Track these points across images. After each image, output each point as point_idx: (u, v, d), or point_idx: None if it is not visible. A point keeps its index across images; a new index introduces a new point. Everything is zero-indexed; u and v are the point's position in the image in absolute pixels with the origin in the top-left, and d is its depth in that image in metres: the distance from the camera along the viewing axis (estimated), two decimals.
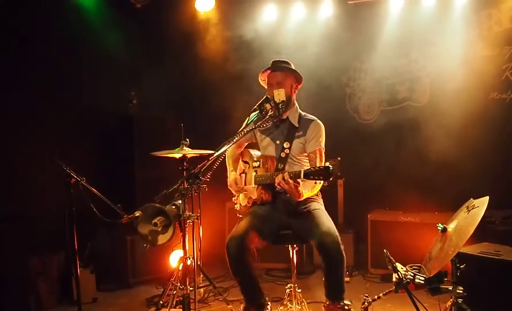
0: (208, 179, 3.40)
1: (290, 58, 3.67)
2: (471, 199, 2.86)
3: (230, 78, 5.75)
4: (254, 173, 3.61)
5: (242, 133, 3.21)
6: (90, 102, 5.25)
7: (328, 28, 5.91)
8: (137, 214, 3.40)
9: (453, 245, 2.63)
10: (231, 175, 3.77)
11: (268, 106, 3.10)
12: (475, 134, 4.96)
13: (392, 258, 2.78)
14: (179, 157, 3.83)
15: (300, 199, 3.31)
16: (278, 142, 3.63)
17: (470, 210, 2.75)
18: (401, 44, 5.75)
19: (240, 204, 3.81)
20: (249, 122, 3.14)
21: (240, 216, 3.81)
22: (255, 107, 3.15)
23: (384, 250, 2.80)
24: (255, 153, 3.84)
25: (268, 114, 3.14)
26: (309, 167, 3.10)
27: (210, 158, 3.09)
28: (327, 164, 2.96)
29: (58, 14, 4.95)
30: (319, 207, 3.56)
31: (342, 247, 3.23)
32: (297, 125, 3.63)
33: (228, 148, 3.08)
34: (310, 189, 3.41)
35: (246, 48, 5.69)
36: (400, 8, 5.71)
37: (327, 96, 5.76)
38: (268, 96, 3.10)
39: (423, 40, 5.64)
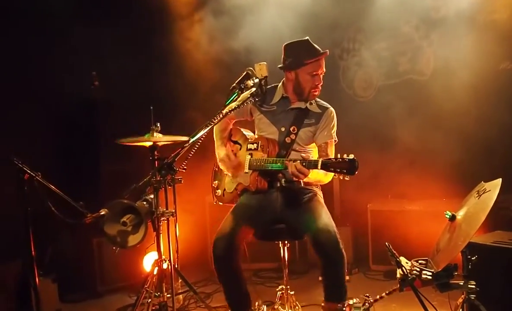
0: (183, 170, 3.38)
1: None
2: (482, 182, 2.87)
3: (207, 58, 5.75)
4: (249, 156, 3.59)
5: (223, 113, 3.18)
6: (45, 84, 5.16)
7: None
8: (103, 213, 3.37)
9: (463, 235, 2.64)
10: (222, 150, 3.76)
11: (249, 83, 3.08)
12: (485, 110, 4.99)
13: (395, 252, 2.79)
14: (150, 146, 3.80)
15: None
16: (283, 129, 3.63)
17: (481, 195, 2.76)
18: (400, 9, 5.74)
19: (224, 190, 3.78)
20: (227, 103, 3.11)
21: (221, 203, 3.81)
22: (234, 84, 3.12)
23: (386, 243, 2.81)
24: (249, 133, 3.84)
25: (250, 93, 3.12)
26: (328, 157, 3.09)
27: (184, 145, 3.06)
28: (351, 155, 2.94)
29: None
30: (318, 199, 3.59)
31: (341, 244, 3.25)
32: (319, 111, 3.65)
33: (214, 125, 3.07)
34: (324, 175, 3.43)
35: (224, 25, 5.65)
36: None
37: None
38: (249, 71, 3.08)
39: (425, 5, 5.65)
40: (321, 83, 3.60)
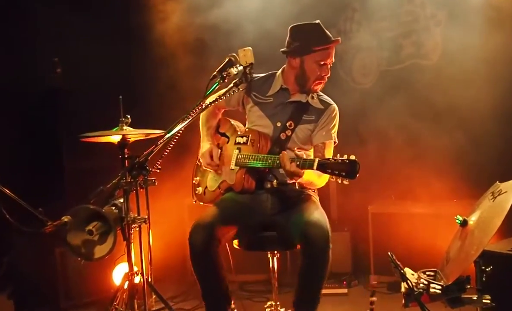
0: (158, 170, 3.37)
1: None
2: (497, 182, 2.87)
3: (187, 41, 5.73)
4: (237, 151, 3.59)
5: (202, 106, 3.17)
6: None
7: None
8: (66, 220, 3.33)
9: (476, 243, 2.63)
10: (207, 144, 3.75)
11: (232, 71, 3.07)
12: (502, 100, 4.99)
13: (399, 263, 2.78)
14: (119, 142, 3.77)
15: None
16: (278, 124, 3.64)
17: (496, 197, 2.75)
18: None
19: (206, 188, 3.79)
20: (207, 93, 3.10)
21: (201, 203, 3.83)
22: (215, 73, 3.11)
23: (389, 253, 2.80)
24: (239, 125, 3.84)
25: (233, 82, 3.12)
26: (326, 157, 3.11)
27: (159, 142, 3.05)
28: (352, 156, 2.94)
29: None
30: (312, 200, 3.60)
31: (330, 246, 3.24)
32: (321, 107, 3.67)
33: (192, 120, 3.06)
34: (317, 177, 3.44)
35: (206, 4, 5.63)
36: None
37: None
38: (232, 58, 3.08)
39: None
40: (328, 74, 3.62)
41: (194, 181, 3.91)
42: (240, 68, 3.10)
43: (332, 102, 3.73)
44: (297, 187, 3.61)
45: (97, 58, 5.48)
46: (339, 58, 6.17)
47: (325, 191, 4.85)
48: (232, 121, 3.87)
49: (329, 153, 3.56)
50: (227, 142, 3.75)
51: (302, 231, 3.25)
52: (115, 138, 3.81)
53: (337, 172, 2.95)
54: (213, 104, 3.21)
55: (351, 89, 6.21)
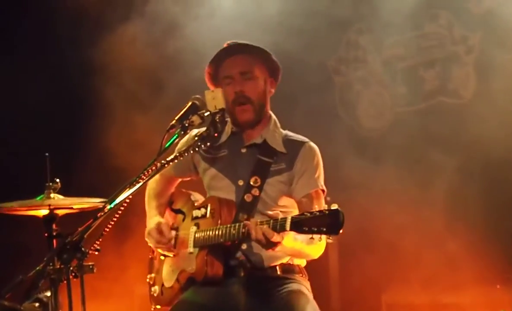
0: (96, 251, 3.34)
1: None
2: None
3: (135, 79, 5.80)
4: (195, 228, 3.57)
5: (157, 166, 3.17)
6: None
7: None
8: None
9: None
10: (153, 220, 3.72)
11: (196, 119, 3.08)
12: None
13: None
14: (44, 215, 3.76)
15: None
16: (241, 182, 3.61)
17: None
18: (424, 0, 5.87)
19: (162, 286, 3.76)
20: (163, 148, 3.10)
21: (159, 307, 3.79)
22: (173, 122, 3.11)
23: None
24: (196, 196, 3.82)
25: (198, 135, 3.15)
26: (301, 213, 3.06)
27: (98, 215, 3.02)
28: (334, 206, 2.89)
29: None
30: (301, 290, 3.53)
31: None
32: (283, 151, 3.63)
33: (141, 185, 3.05)
34: (305, 245, 3.37)
35: (164, 34, 5.72)
36: None
37: (304, 92, 5.82)
38: (196, 102, 3.08)
39: None
40: (242, 90, 3.55)
41: (148, 280, 3.88)
42: (207, 114, 3.11)
43: (305, 139, 3.71)
44: (278, 272, 3.58)
45: (18, 101, 5.50)
46: (339, 94, 6.30)
47: (323, 274, 4.87)
48: (191, 194, 3.85)
49: (320, 207, 3.51)
50: (183, 220, 3.73)
51: None
52: (40, 210, 3.80)
53: (315, 229, 2.90)
54: (161, 173, 3.21)
55: (355, 136, 6.26)
